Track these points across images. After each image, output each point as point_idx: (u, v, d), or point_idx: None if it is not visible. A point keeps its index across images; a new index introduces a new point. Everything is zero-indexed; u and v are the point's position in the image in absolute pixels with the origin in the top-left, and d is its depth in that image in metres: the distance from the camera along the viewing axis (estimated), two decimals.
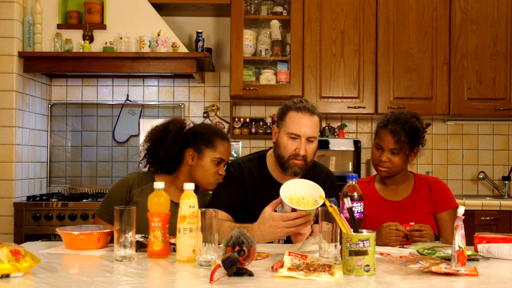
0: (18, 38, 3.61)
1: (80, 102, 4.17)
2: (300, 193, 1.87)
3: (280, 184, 2.21)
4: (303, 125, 2.12)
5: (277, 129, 2.21)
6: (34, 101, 3.89)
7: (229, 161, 2.32)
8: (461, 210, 1.60)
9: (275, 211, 1.89)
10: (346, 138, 3.99)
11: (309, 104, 2.17)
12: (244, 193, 2.22)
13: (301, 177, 2.13)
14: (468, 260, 1.65)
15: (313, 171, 2.25)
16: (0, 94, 3.55)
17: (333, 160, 3.89)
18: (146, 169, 2.36)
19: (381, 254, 1.74)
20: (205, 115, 4.17)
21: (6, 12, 3.56)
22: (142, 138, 2.84)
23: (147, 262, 1.67)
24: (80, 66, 3.71)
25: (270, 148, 2.30)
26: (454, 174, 4.22)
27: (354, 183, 1.82)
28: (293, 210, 1.79)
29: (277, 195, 2.19)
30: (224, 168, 2.28)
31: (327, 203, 1.62)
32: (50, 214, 3.47)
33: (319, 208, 1.74)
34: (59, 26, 3.77)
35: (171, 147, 2.25)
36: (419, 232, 2.06)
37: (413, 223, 2.09)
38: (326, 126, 4.10)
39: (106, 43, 3.75)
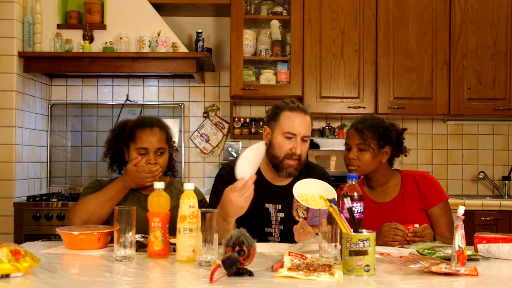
0: (18, 38, 3.61)
1: (80, 102, 4.17)
2: (311, 192, 1.90)
3: (273, 186, 2.22)
4: (299, 124, 2.13)
5: (269, 129, 2.20)
6: (34, 101, 3.89)
7: (223, 163, 2.31)
8: (461, 210, 1.60)
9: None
10: None
11: (301, 105, 2.20)
12: None
13: (295, 178, 2.13)
14: (468, 260, 1.65)
15: (306, 171, 2.24)
16: (0, 94, 3.55)
17: (333, 160, 3.89)
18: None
19: (381, 254, 1.74)
20: (205, 115, 4.17)
21: (6, 12, 3.56)
22: None
23: (147, 262, 1.67)
24: (80, 66, 3.71)
25: None
26: (454, 174, 4.22)
27: (354, 183, 1.82)
28: (307, 209, 1.81)
29: (270, 196, 2.20)
30: (153, 155, 2.22)
31: (327, 203, 1.62)
32: (50, 214, 3.47)
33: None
34: (59, 26, 3.77)
35: (106, 147, 2.34)
36: (421, 232, 2.06)
37: (417, 225, 2.09)
38: (326, 126, 4.10)
39: (106, 43, 3.75)
